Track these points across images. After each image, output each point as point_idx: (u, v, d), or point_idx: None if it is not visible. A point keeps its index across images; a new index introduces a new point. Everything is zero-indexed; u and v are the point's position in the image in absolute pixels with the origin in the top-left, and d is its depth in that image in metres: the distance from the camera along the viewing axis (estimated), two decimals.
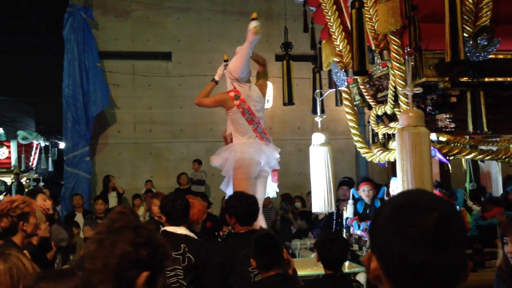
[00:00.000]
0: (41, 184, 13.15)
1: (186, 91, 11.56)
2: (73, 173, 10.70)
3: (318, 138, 5.61)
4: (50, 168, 13.58)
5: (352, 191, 5.98)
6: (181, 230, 3.66)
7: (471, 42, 3.98)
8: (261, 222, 4.84)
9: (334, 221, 6.40)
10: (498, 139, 4.80)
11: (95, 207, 7.99)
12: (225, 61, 5.50)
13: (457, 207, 4.51)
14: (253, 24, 4.89)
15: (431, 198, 1.15)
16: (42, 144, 13.06)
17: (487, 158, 4.68)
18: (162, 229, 3.74)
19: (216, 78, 5.27)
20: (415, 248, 1.06)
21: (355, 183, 7.61)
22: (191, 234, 3.71)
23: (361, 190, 5.96)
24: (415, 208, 1.10)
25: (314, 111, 6.03)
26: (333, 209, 5.72)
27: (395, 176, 4.19)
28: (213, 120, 10.90)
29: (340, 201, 6.61)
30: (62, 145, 12.93)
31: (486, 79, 4.46)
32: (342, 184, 6.79)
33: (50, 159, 13.43)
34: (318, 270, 4.56)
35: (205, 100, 5.13)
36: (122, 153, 11.50)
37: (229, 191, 5.40)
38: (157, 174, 11.36)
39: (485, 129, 4.45)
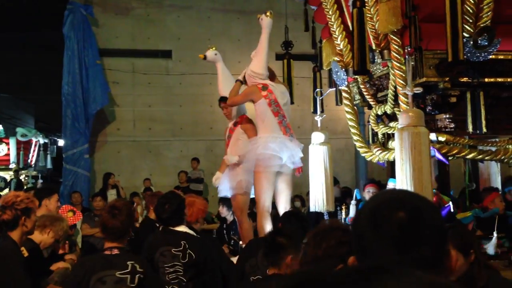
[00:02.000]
0: (40, 181, 13.13)
1: (186, 90, 11.56)
2: (72, 171, 10.70)
3: (317, 137, 5.60)
4: (49, 166, 13.56)
5: (355, 192, 5.98)
6: (180, 228, 3.68)
7: (471, 43, 3.98)
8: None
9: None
10: (497, 139, 4.81)
11: (93, 204, 7.99)
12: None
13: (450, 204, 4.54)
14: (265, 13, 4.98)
15: (400, 198, 1.17)
16: (41, 141, 13.03)
17: (486, 158, 4.69)
18: (163, 226, 3.75)
19: (240, 78, 5.29)
20: (385, 248, 1.08)
21: (339, 183, 7.65)
22: (191, 232, 3.72)
23: (366, 191, 5.95)
24: (384, 210, 1.12)
25: (314, 111, 6.02)
26: (331, 209, 5.71)
27: (394, 176, 4.19)
28: (213, 118, 10.91)
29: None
30: (61, 142, 12.92)
31: (486, 80, 4.46)
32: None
33: (49, 156, 13.41)
34: None
35: (236, 98, 5.12)
36: (121, 151, 11.49)
37: (224, 187, 5.36)
38: (156, 172, 11.36)
39: (485, 129, 4.45)
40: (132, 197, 9.66)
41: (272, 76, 5.13)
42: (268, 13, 4.97)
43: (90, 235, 7.22)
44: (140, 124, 11.60)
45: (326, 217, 6.59)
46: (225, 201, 6.16)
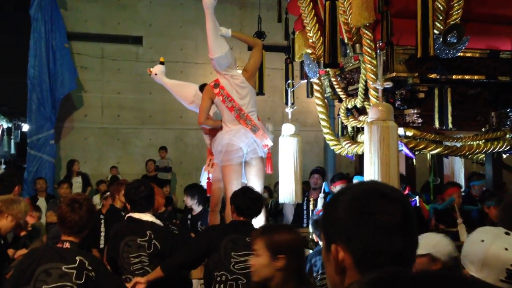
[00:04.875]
0: (3, 167, 12.79)
1: None
2: (37, 157, 10.42)
3: (288, 129, 5.62)
4: (13, 151, 13.22)
5: (324, 185, 5.99)
6: (146, 217, 3.63)
7: (441, 39, 4.04)
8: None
9: (305, 211, 6.43)
10: (462, 135, 4.91)
11: (59, 191, 7.82)
12: (161, 62, 5.67)
13: (416, 198, 4.65)
14: None
15: (391, 188, 1.20)
16: (5, 125, 12.69)
17: (451, 154, 4.79)
18: (128, 215, 3.69)
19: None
20: (392, 236, 1.10)
21: (326, 174, 7.64)
22: (157, 221, 3.68)
23: (336, 188, 5.96)
24: (383, 198, 1.14)
25: (285, 102, 6.03)
26: (300, 200, 5.74)
27: (362, 170, 4.23)
28: (183, 107, 10.69)
29: (310, 190, 6.62)
30: (25, 127, 12.58)
31: (454, 77, 4.54)
32: (314, 173, 6.80)
33: (12, 141, 13.07)
34: None
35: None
36: (88, 137, 11.27)
37: (202, 179, 5.43)
38: (123, 160, 11.20)
39: (451, 125, 4.54)
40: (98, 185, 9.51)
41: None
42: None
43: (55, 222, 7.07)
44: (108, 111, 11.38)
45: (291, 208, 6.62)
46: (190, 191, 6.12)
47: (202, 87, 5.56)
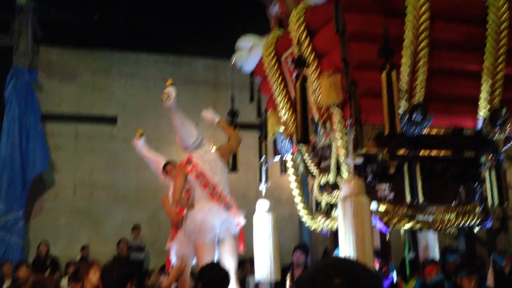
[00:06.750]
0: None
1: (130, 156, 11.37)
2: (5, 239, 10.07)
3: (262, 205, 5.63)
4: None
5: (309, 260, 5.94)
6: None
7: (406, 118, 4.23)
8: None
9: None
10: (433, 209, 5.00)
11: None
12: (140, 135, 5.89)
13: (394, 276, 4.61)
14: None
15: (337, 264, 1.23)
16: None
17: (424, 228, 4.85)
18: None
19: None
20: None
21: (309, 250, 7.56)
22: None
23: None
24: (322, 277, 1.18)
25: (260, 179, 6.09)
26: (277, 277, 5.64)
27: (336, 246, 4.24)
28: (157, 185, 10.68)
29: (293, 266, 6.50)
30: None
31: (421, 153, 4.70)
32: (297, 249, 6.72)
33: None
34: None
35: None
36: (59, 217, 10.99)
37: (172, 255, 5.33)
38: (95, 241, 10.88)
39: (421, 199, 4.63)
40: (67, 267, 9.15)
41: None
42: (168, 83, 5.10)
43: None
44: (81, 190, 11.22)
45: None
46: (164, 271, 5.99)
47: (165, 166, 5.66)
